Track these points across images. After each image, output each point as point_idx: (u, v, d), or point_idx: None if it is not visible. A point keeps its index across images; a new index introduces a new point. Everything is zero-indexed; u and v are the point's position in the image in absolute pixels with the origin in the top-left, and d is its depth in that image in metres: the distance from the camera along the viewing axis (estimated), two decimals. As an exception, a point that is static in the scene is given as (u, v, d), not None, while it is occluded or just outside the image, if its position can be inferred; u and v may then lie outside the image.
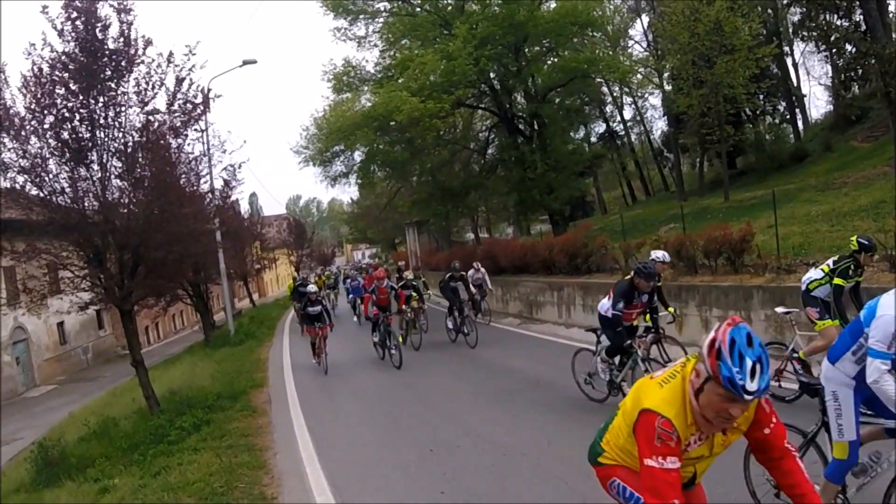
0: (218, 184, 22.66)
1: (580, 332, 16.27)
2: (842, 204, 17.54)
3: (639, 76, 35.08)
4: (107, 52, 12.19)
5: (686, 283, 13.90)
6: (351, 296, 27.08)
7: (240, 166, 16.82)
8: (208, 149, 16.51)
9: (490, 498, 6.75)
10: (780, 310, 9.10)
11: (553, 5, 30.08)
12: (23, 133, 11.75)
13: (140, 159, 12.80)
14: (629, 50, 40.53)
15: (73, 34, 11.91)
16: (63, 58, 11.85)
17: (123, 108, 12.50)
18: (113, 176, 12.67)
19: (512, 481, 7.07)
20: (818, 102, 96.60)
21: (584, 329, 11.31)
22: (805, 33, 31.43)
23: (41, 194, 12.23)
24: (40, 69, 11.76)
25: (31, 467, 12.42)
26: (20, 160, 11.84)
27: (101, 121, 12.24)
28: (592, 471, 3.57)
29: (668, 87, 33.54)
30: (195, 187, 16.24)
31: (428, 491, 7.13)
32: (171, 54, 12.91)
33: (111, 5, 12.26)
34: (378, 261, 72.90)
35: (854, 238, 7.99)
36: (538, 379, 11.97)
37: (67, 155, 12.07)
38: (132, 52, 12.43)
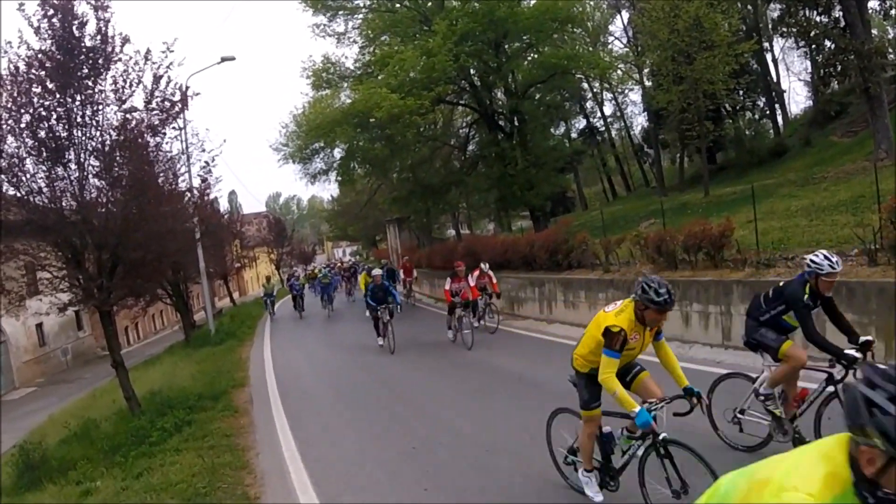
0: (196, 182, 22.46)
1: (562, 328, 16.37)
2: (821, 199, 17.64)
3: (619, 72, 35.22)
4: (84, 50, 12.03)
5: (666, 278, 13.89)
6: None
7: (213, 160, 16.54)
8: (186, 147, 16.39)
9: (473, 495, 6.77)
10: None
11: (533, 1, 30.03)
12: (-1, 133, 11.61)
13: (118, 158, 12.66)
14: (609, 46, 40.82)
15: (49, 32, 11.75)
16: (40, 56, 11.68)
17: (101, 107, 12.35)
18: (90, 175, 12.52)
19: (494, 478, 7.08)
20: (797, 98, 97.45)
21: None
22: (784, 29, 31.47)
23: (18, 194, 12.08)
24: (17, 67, 11.61)
25: (12, 471, 12.29)
26: (-4, 160, 11.71)
27: (79, 119, 12.10)
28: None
29: (648, 83, 33.73)
30: (173, 186, 16.14)
31: (411, 488, 7.14)
32: (148, 51, 12.77)
33: (88, 3, 12.08)
34: (359, 258, 72.67)
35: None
36: (520, 375, 12.00)
37: (45, 154, 11.92)
38: (109, 49, 12.29)
